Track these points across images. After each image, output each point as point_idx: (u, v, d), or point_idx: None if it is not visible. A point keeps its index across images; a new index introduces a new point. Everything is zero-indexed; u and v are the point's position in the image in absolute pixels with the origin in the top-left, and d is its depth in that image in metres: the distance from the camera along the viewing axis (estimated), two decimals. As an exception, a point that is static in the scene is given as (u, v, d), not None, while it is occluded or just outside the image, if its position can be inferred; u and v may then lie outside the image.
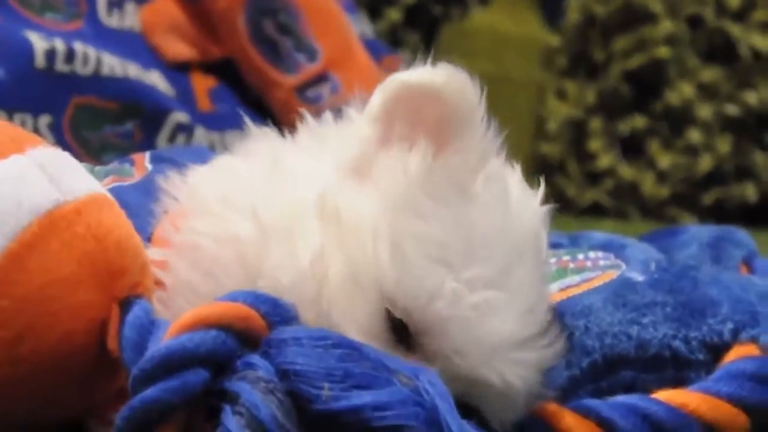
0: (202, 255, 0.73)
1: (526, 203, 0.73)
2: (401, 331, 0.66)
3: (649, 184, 3.09)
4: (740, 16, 3.11)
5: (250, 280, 0.70)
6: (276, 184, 0.70)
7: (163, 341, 0.65)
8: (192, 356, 0.65)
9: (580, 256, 0.93)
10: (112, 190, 0.79)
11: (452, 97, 0.66)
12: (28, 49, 1.30)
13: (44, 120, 1.32)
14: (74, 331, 0.70)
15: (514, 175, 0.74)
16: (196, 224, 0.73)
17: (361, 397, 0.63)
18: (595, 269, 0.90)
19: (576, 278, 0.89)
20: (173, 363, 0.64)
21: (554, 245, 1.00)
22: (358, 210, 0.66)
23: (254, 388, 0.64)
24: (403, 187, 0.65)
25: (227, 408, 0.63)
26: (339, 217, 0.66)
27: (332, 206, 0.66)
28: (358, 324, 0.67)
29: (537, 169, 3.34)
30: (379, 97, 0.68)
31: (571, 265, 0.91)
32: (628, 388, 0.81)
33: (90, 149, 1.39)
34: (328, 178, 0.68)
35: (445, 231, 0.65)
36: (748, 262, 1.00)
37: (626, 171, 3.13)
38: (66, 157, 0.76)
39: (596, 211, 3.12)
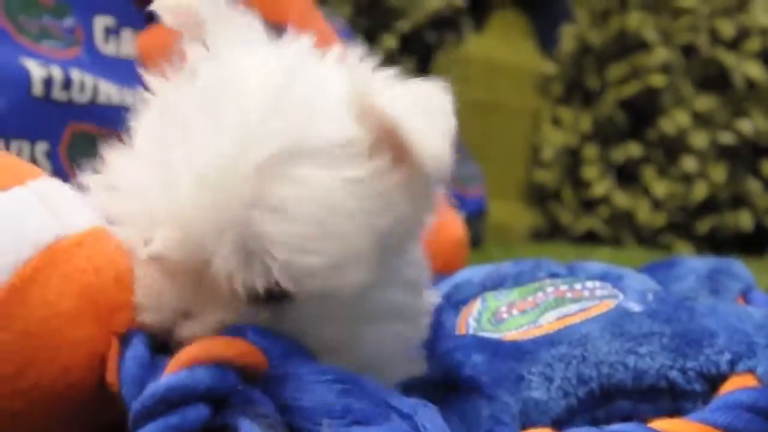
0: None
1: None
2: None
3: (644, 212, 3.10)
4: (734, 45, 3.12)
5: None
6: None
7: (163, 377, 0.65)
8: (192, 392, 0.64)
9: (578, 286, 0.93)
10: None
11: None
12: (25, 77, 1.30)
13: (41, 147, 1.32)
14: (74, 365, 0.70)
15: None
16: None
17: (361, 433, 0.63)
18: (592, 299, 0.90)
19: (573, 307, 0.89)
20: (173, 399, 0.64)
21: (552, 275, 1.00)
22: None
23: (255, 422, 0.64)
24: None
25: (229, 443, 0.63)
26: None
27: None
28: None
29: (532, 196, 3.35)
30: None
31: (569, 295, 0.91)
32: (625, 418, 0.81)
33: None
34: None
35: None
36: (746, 295, 1.00)
37: (621, 199, 3.13)
38: (67, 189, 0.76)
39: (591, 239, 3.12)
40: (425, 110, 0.71)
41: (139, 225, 0.72)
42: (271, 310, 0.71)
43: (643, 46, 3.11)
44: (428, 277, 0.87)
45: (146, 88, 0.79)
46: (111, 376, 0.70)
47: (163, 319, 0.71)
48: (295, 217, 0.68)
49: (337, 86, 0.74)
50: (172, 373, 0.65)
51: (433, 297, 0.90)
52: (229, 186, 0.67)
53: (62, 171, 1.34)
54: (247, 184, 0.67)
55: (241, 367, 0.67)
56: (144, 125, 0.75)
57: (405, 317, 0.81)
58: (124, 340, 0.71)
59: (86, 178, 0.76)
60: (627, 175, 3.17)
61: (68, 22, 1.46)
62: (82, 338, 0.70)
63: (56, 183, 0.76)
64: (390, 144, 0.72)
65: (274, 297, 0.71)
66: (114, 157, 0.75)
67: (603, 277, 0.96)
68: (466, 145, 2.43)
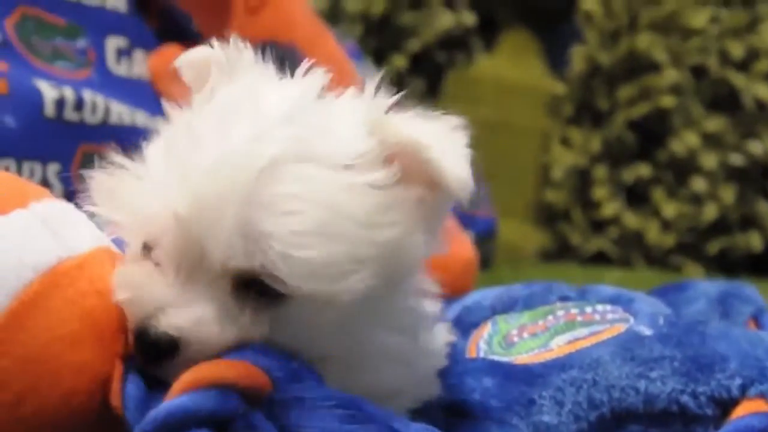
0: None
1: None
2: None
3: (653, 233, 3.09)
4: (744, 66, 3.12)
5: None
6: None
7: (165, 401, 0.65)
8: (193, 417, 0.65)
9: (588, 310, 0.93)
10: (116, 241, 0.79)
11: None
12: (37, 98, 1.30)
13: (53, 168, 1.33)
14: (76, 390, 0.69)
15: None
16: None
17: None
18: (603, 323, 0.90)
19: (584, 331, 0.89)
20: (175, 424, 0.64)
21: (563, 298, 1.00)
22: None
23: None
24: None
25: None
26: None
27: None
28: None
29: (542, 216, 3.34)
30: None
31: (579, 318, 0.91)
32: (637, 442, 0.81)
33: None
34: None
35: None
36: (757, 319, 0.99)
37: (631, 219, 3.12)
38: (70, 209, 0.76)
39: (601, 260, 3.11)
40: (445, 135, 0.75)
41: (137, 217, 0.73)
42: (259, 309, 0.72)
43: (653, 67, 3.11)
44: (431, 319, 0.87)
45: (162, 115, 0.81)
46: (115, 399, 0.70)
47: (145, 312, 0.71)
48: (295, 212, 0.70)
49: (351, 109, 0.77)
50: (175, 397, 0.65)
51: (445, 335, 0.90)
52: (235, 179, 0.70)
53: (73, 191, 1.35)
54: (252, 179, 0.70)
55: (244, 390, 0.67)
56: (156, 144, 0.77)
57: (398, 360, 0.81)
58: (128, 361, 0.72)
59: (88, 181, 0.77)
60: (637, 196, 3.16)
61: (80, 43, 1.47)
62: (85, 362, 0.70)
63: (61, 204, 0.76)
64: (403, 162, 0.74)
65: (266, 294, 0.71)
66: (119, 165, 0.76)
67: (614, 301, 0.96)
68: (475, 165, 2.43)
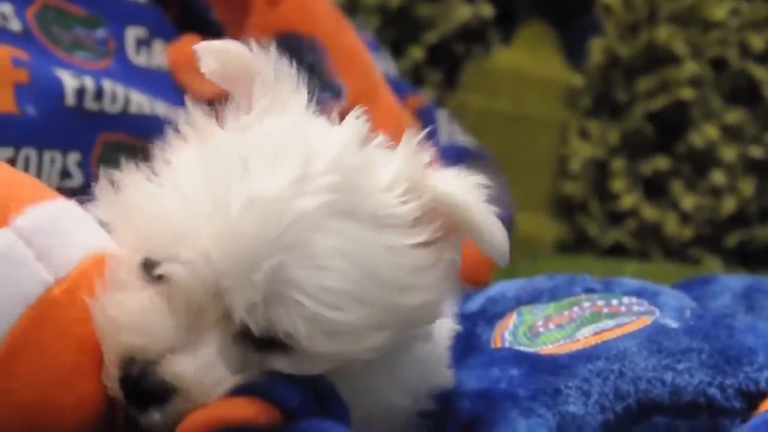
0: None
1: None
2: None
3: (672, 225, 3.08)
4: (764, 58, 3.10)
5: None
6: None
7: None
8: None
9: (614, 302, 0.93)
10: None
11: None
12: (59, 88, 1.30)
13: (73, 157, 1.33)
14: (79, 427, 0.66)
15: None
16: None
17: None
18: (629, 314, 0.90)
19: (610, 323, 0.88)
20: None
21: (588, 290, 0.99)
22: None
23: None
24: None
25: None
26: None
27: None
28: None
29: (559, 208, 3.33)
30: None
31: (605, 310, 0.91)
32: (662, 434, 0.81)
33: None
34: None
35: None
36: (781, 314, 0.99)
37: (649, 212, 3.11)
38: (58, 212, 0.71)
39: (618, 252, 3.10)
40: (481, 199, 0.74)
41: (154, 230, 0.70)
42: (262, 356, 0.70)
43: (672, 59, 3.09)
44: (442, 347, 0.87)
45: (188, 122, 0.78)
46: (120, 420, 0.68)
47: (153, 348, 0.68)
48: (331, 268, 0.68)
49: (392, 164, 0.75)
50: None
51: (448, 327, 0.90)
52: (275, 221, 0.67)
53: (93, 181, 1.35)
54: (292, 225, 0.67)
55: (255, 428, 0.65)
56: (188, 153, 0.75)
57: (393, 414, 0.81)
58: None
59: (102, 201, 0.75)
60: (655, 188, 3.15)
61: (100, 33, 1.47)
62: (85, 397, 0.66)
63: (49, 208, 0.71)
64: (441, 223, 0.74)
65: (279, 344, 0.69)
66: (138, 180, 0.74)
67: (639, 293, 0.96)
68: (493, 157, 2.43)
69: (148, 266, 0.71)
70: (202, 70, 0.81)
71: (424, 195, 0.73)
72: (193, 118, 0.78)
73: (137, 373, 0.67)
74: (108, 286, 0.71)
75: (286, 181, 0.68)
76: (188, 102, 0.79)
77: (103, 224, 0.77)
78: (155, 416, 0.67)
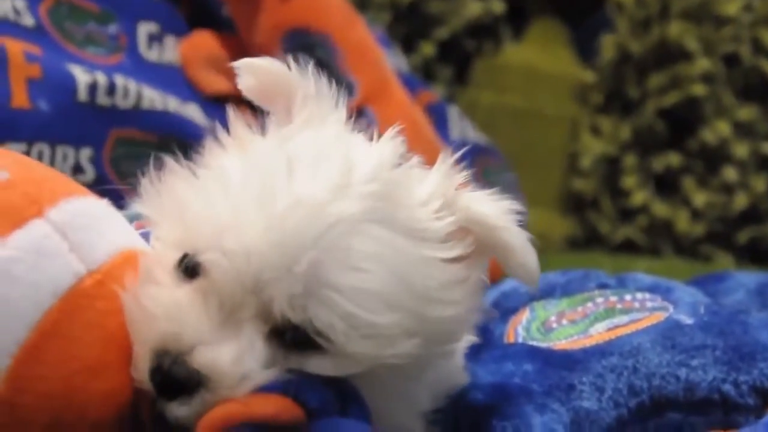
0: None
1: None
2: None
3: (683, 222, 3.07)
4: (777, 54, 3.10)
5: None
6: None
7: None
8: None
9: (628, 297, 0.93)
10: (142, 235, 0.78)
11: None
12: (71, 83, 1.31)
13: (86, 152, 1.33)
14: (103, 420, 0.66)
15: None
16: None
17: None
18: (642, 310, 0.89)
19: (624, 318, 0.88)
20: None
21: (601, 285, 0.99)
22: None
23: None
24: None
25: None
26: None
27: None
28: None
29: (570, 205, 3.33)
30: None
31: (619, 306, 0.91)
32: (676, 429, 0.81)
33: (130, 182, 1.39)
34: None
35: None
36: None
37: (660, 208, 3.10)
38: (90, 208, 0.72)
39: (629, 248, 3.09)
40: (514, 222, 0.77)
41: (198, 226, 0.72)
42: (291, 355, 0.71)
43: (684, 55, 3.08)
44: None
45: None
46: (146, 415, 0.68)
47: (186, 338, 0.69)
48: (365, 270, 0.70)
49: (428, 181, 0.78)
50: None
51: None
52: (313, 223, 0.69)
53: (105, 176, 1.35)
54: (332, 227, 0.69)
55: (277, 425, 0.66)
56: (227, 161, 0.76)
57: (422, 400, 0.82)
58: None
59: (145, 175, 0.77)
60: (666, 185, 3.14)
61: (112, 28, 1.47)
62: (111, 389, 0.67)
63: (81, 203, 0.71)
64: (474, 241, 0.76)
65: (303, 343, 0.71)
66: (184, 177, 0.76)
67: (652, 289, 0.96)
68: (504, 153, 2.42)
69: (186, 264, 0.73)
70: (240, 86, 0.84)
71: (458, 213, 0.76)
72: (233, 126, 0.80)
73: (169, 362, 0.68)
74: (141, 281, 0.72)
75: (329, 186, 0.71)
76: (229, 111, 0.80)
77: (141, 219, 0.78)
78: (182, 409, 0.68)
